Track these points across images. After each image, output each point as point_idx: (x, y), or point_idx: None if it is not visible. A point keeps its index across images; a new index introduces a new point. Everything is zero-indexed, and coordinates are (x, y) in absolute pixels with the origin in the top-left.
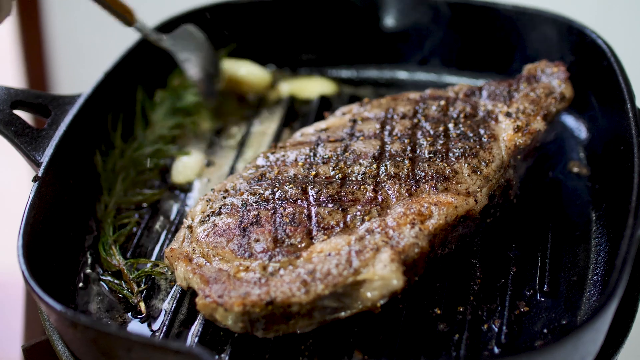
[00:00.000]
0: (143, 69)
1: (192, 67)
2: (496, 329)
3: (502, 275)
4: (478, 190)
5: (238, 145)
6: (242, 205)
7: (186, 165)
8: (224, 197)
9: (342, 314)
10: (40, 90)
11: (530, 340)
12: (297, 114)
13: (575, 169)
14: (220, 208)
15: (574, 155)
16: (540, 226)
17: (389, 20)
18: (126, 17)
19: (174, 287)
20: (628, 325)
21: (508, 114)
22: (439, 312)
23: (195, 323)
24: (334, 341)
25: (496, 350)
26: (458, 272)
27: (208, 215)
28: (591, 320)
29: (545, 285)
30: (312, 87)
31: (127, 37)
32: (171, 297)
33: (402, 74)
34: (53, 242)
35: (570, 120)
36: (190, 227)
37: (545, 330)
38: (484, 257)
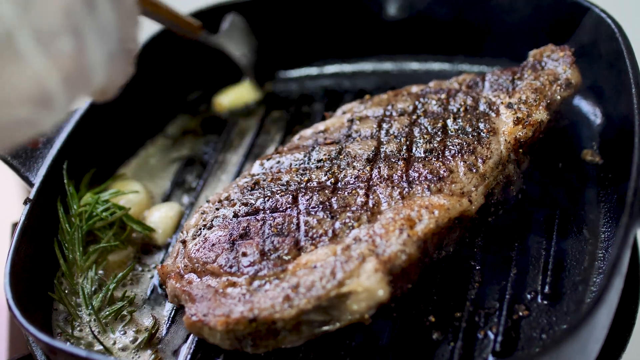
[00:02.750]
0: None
1: (244, 60)
2: (492, 336)
3: (503, 277)
4: (473, 189)
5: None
6: (233, 217)
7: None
8: (217, 209)
9: (331, 326)
10: None
11: (528, 347)
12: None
13: (589, 158)
14: (212, 221)
15: (587, 142)
16: (546, 223)
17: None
18: (194, 33)
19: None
20: (625, 339)
21: (509, 105)
22: (433, 319)
23: (189, 339)
24: (325, 354)
25: (491, 359)
26: (456, 276)
27: (200, 229)
28: (575, 330)
29: (547, 287)
30: (245, 93)
31: None
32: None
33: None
34: (43, 268)
35: (585, 106)
36: (184, 241)
37: (544, 336)
38: (484, 258)
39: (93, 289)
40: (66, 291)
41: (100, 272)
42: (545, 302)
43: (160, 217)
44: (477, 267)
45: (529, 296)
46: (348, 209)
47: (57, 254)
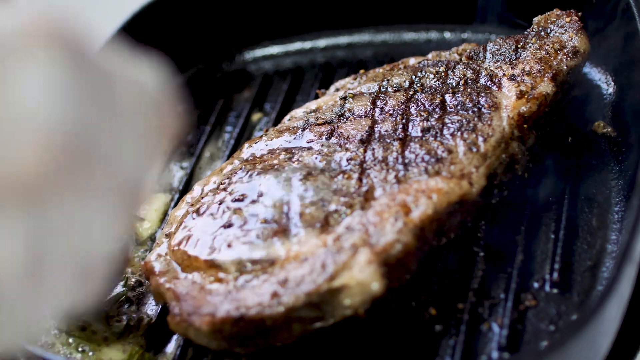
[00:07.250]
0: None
1: None
2: (497, 329)
3: (508, 264)
4: (474, 170)
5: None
6: (218, 206)
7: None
8: (202, 198)
9: (324, 322)
10: None
11: (535, 340)
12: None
13: (601, 130)
14: (197, 211)
15: (599, 114)
16: (554, 203)
17: None
18: None
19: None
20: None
21: (512, 77)
22: (434, 312)
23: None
24: (320, 350)
25: (495, 354)
26: (458, 264)
27: (185, 220)
28: (580, 327)
29: (556, 274)
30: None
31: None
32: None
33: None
34: None
35: (596, 74)
36: (168, 234)
37: (552, 328)
38: (488, 244)
39: None
40: None
41: None
42: (554, 290)
43: (146, 209)
44: (481, 254)
45: (536, 284)
46: (340, 195)
47: None
